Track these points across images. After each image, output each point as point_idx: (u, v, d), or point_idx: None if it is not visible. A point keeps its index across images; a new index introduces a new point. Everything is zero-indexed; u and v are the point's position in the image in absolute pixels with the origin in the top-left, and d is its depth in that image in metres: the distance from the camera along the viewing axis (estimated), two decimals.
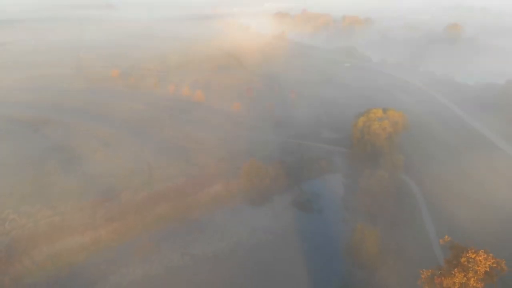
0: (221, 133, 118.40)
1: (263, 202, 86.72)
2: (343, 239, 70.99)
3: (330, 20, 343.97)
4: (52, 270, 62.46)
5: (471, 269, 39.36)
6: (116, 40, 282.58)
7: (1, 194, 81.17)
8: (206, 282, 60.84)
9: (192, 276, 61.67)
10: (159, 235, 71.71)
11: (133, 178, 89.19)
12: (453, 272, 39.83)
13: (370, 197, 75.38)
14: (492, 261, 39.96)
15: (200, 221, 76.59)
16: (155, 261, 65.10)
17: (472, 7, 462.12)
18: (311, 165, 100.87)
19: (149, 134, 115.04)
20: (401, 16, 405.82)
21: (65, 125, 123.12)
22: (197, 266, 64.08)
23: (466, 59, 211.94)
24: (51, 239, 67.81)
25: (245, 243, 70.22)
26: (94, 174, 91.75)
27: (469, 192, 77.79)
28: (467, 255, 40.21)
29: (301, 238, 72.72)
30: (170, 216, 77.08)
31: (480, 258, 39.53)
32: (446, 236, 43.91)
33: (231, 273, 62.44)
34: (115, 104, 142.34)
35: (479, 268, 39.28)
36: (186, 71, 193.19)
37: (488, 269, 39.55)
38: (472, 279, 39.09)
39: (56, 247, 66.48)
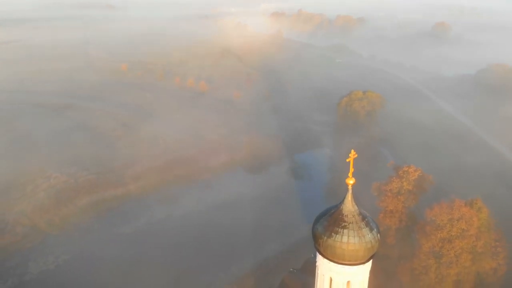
0: (224, 116, 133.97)
1: (261, 170, 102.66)
2: (326, 193, 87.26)
3: (325, 19, 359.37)
4: (92, 213, 77.99)
5: (404, 178, 55.77)
6: (120, 38, 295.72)
7: (41, 159, 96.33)
8: (218, 220, 76.94)
9: (207, 217, 77.64)
10: (177, 190, 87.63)
11: (151, 149, 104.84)
12: (392, 180, 56.32)
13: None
14: (419, 172, 56.34)
15: (209, 181, 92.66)
16: (175, 207, 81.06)
17: (463, 6, 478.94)
18: (302, 141, 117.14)
19: (161, 117, 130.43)
20: (393, 16, 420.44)
21: (85, 109, 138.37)
22: (210, 210, 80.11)
23: (449, 54, 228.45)
24: (89, 191, 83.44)
25: (247, 195, 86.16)
26: (116, 146, 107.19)
27: (431, 155, 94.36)
28: (403, 169, 56.77)
29: (293, 193, 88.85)
30: (184, 177, 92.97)
31: (411, 170, 56.05)
32: (392, 161, 60.63)
33: (237, 214, 78.54)
34: (127, 93, 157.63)
35: (410, 176, 55.83)
36: (188, 66, 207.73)
37: (416, 177, 55.98)
38: (405, 182, 55.67)
39: (94, 197, 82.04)
